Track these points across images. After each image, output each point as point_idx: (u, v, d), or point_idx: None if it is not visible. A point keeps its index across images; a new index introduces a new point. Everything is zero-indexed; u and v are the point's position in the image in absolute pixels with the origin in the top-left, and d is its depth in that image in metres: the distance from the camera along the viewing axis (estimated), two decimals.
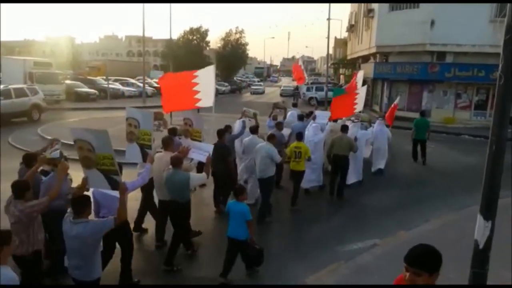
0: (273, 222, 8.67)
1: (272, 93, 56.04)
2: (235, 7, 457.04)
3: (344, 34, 51.66)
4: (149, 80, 42.52)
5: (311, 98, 36.88)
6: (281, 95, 48.83)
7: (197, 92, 9.03)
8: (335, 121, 12.38)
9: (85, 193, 4.92)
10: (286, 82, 77.06)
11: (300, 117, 12.45)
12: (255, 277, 6.34)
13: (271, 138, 8.76)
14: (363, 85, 15.65)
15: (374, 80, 29.90)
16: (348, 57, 43.95)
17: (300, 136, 9.53)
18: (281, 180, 10.86)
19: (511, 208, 8.72)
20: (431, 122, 21.90)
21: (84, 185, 4.97)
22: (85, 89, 32.31)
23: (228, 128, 9.77)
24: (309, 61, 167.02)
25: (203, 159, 6.93)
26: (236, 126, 10.95)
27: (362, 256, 7.04)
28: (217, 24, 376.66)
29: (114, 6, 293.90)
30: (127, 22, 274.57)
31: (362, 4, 33.00)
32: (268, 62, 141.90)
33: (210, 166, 6.85)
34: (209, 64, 47.02)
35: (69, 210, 4.43)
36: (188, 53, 41.80)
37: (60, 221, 4.41)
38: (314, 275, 6.35)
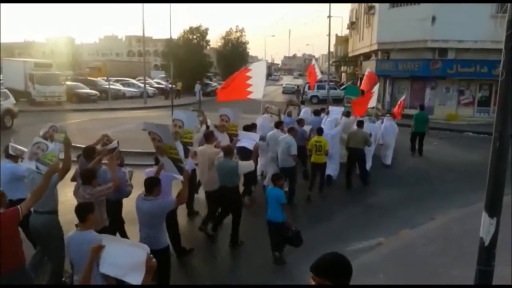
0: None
1: (274, 91, 55.96)
2: (235, 6, 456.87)
3: (345, 32, 51.62)
4: (149, 81, 42.53)
5: (313, 96, 36.71)
6: (283, 92, 50.87)
7: (250, 85, 10.23)
8: (347, 116, 12.71)
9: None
10: (288, 81, 79.15)
11: (317, 113, 13.19)
12: (279, 262, 6.77)
13: (291, 131, 9.52)
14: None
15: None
16: (350, 55, 43.89)
17: (320, 131, 10.24)
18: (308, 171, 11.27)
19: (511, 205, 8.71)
20: (434, 119, 22.43)
21: (161, 169, 5.87)
22: (86, 90, 32.31)
23: (254, 125, 10.31)
24: (310, 59, 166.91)
25: (251, 147, 8.03)
26: (260, 122, 11.33)
27: (366, 255, 7.01)
28: (217, 23, 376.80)
29: (114, 7, 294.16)
30: (127, 22, 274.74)
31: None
32: (269, 60, 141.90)
33: (256, 154, 7.89)
34: (209, 63, 47.22)
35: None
36: (188, 52, 41.69)
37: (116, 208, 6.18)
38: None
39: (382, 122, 13.92)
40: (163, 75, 50.34)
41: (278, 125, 10.40)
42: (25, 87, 27.74)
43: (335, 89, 35.71)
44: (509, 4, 3.90)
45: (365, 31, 32.42)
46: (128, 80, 40.54)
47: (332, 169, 11.09)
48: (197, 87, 31.59)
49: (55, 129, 7.39)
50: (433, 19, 23.87)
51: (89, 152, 6.42)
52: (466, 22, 22.34)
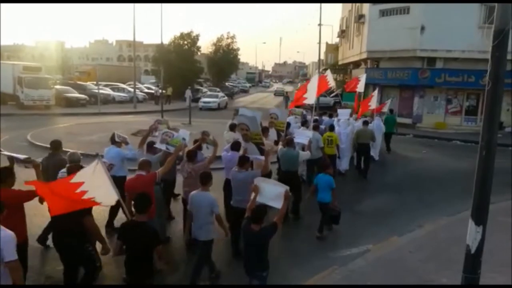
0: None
1: (264, 98, 56.17)
2: (226, 12, 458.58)
3: (336, 40, 51.95)
4: (139, 86, 42.28)
5: None
6: (274, 94, 62.56)
7: (305, 91, 12.59)
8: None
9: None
10: (279, 86, 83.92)
11: (330, 115, 15.98)
12: (323, 240, 8.07)
13: (316, 128, 11.57)
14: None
15: (365, 85, 30.00)
16: (340, 63, 44.16)
17: (332, 127, 12.12)
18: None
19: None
20: (422, 128, 23.84)
21: (246, 152, 7.74)
22: (75, 94, 32.03)
23: (266, 129, 10.79)
24: (300, 66, 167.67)
25: (306, 142, 9.83)
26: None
27: (354, 262, 7.01)
28: (208, 29, 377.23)
29: (104, 11, 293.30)
30: (117, 27, 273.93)
31: (353, 10, 33.23)
32: (260, 67, 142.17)
33: (310, 147, 9.72)
34: (200, 69, 47.19)
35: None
36: (179, 58, 41.63)
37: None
38: (306, 281, 6.31)
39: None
40: (154, 80, 50.18)
41: (304, 124, 12.55)
42: (13, 90, 27.47)
43: (325, 96, 35.88)
44: (495, 15, 3.98)
45: (355, 39, 32.70)
46: (118, 85, 40.26)
47: (343, 164, 13.01)
48: (187, 92, 31.54)
49: (159, 121, 9.24)
50: (422, 28, 24.18)
51: (191, 153, 7.61)
52: (454, 32, 22.68)
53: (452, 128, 24.94)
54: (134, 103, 33.15)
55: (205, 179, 5.98)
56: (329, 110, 19.93)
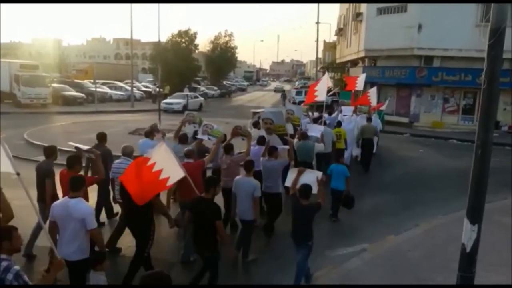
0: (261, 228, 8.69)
1: (262, 96, 56.14)
2: (224, 11, 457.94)
3: (333, 38, 51.97)
4: (137, 84, 42.19)
5: (300, 102, 36.80)
6: (274, 91, 65.34)
7: (316, 90, 13.57)
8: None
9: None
10: (277, 84, 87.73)
11: (329, 113, 16.12)
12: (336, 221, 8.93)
13: (339, 125, 13.05)
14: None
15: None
16: (337, 61, 44.16)
17: (339, 123, 13.18)
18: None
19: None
20: (419, 127, 24.48)
21: (269, 143, 8.48)
22: (72, 92, 31.93)
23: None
24: (298, 65, 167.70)
25: (319, 135, 10.80)
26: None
27: (351, 261, 7.02)
28: (206, 28, 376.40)
29: (102, 9, 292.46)
30: (115, 25, 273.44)
31: (351, 8, 33.24)
32: (258, 65, 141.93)
33: (323, 140, 10.65)
34: (197, 67, 47.11)
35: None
36: (176, 56, 41.52)
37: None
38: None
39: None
40: (151, 79, 50.10)
41: (316, 120, 13.68)
42: (10, 88, 27.37)
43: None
44: (491, 14, 3.98)
45: (353, 37, 32.71)
46: (115, 83, 40.18)
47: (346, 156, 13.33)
48: (185, 91, 31.54)
49: (191, 115, 9.82)
50: (420, 27, 24.19)
51: (228, 147, 8.10)
52: (451, 30, 22.70)
53: (449, 127, 24.97)
54: (132, 101, 33.07)
55: (249, 167, 6.89)
56: (327, 108, 20.04)
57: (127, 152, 7.31)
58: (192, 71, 44.78)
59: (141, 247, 5.85)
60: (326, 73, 16.79)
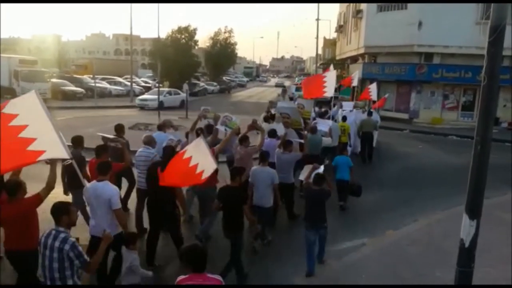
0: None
1: (261, 92, 56.08)
2: (224, 7, 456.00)
3: (333, 34, 51.87)
4: (136, 79, 42.11)
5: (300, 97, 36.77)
6: (275, 85, 68.52)
7: (325, 86, 13.39)
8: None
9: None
10: (278, 79, 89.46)
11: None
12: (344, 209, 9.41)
13: (344, 119, 13.73)
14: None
15: (363, 80, 30.08)
16: (337, 58, 44.11)
17: (344, 118, 13.78)
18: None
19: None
20: (419, 123, 24.53)
21: (286, 136, 9.04)
22: (72, 87, 31.90)
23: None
24: (298, 61, 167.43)
25: (327, 129, 11.58)
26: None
27: (350, 256, 7.07)
28: (206, 24, 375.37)
29: (101, 4, 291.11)
30: (114, 20, 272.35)
31: (351, 4, 33.17)
32: (258, 62, 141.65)
33: (331, 134, 11.60)
34: (197, 63, 46.98)
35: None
36: (176, 52, 41.36)
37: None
38: (302, 275, 6.35)
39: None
40: (150, 74, 49.94)
41: (323, 115, 14.26)
42: (9, 83, 27.31)
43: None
44: (491, 11, 4.00)
45: (353, 34, 32.66)
46: (114, 79, 40.10)
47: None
48: (185, 86, 31.48)
49: (207, 110, 10.00)
50: (420, 24, 24.17)
51: (243, 138, 8.45)
52: (451, 27, 22.68)
53: (448, 124, 24.98)
54: (131, 97, 32.99)
55: (264, 157, 7.45)
56: (327, 104, 20.16)
57: (148, 141, 7.75)
58: (191, 67, 44.63)
59: (172, 230, 6.58)
60: (333, 69, 16.78)
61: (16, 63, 27.96)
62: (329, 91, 13.49)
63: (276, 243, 7.62)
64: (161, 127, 9.68)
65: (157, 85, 30.78)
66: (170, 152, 6.57)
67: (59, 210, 4.10)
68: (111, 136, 7.43)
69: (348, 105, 16.68)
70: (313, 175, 6.67)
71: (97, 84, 32.08)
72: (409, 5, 24.86)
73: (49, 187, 4.82)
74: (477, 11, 23.08)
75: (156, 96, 26.72)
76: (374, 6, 27.00)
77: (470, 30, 22.61)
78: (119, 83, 39.31)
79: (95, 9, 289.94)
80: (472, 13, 23.12)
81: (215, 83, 50.77)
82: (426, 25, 23.99)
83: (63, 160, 5.36)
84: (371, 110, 15.87)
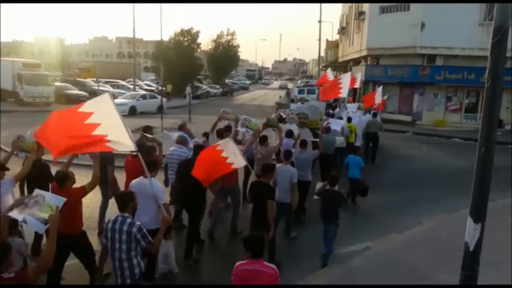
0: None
1: (264, 95, 56.07)
2: (226, 9, 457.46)
3: (336, 37, 51.86)
4: (139, 82, 42.18)
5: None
6: (279, 87, 68.98)
7: (341, 88, 14.67)
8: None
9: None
10: (281, 82, 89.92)
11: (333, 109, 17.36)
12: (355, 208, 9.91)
13: (349, 120, 13.84)
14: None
15: (365, 82, 30.02)
16: (340, 60, 44.05)
17: (350, 119, 13.98)
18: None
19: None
20: (422, 125, 24.34)
21: (300, 136, 9.69)
22: (75, 91, 31.95)
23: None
24: (300, 63, 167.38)
25: (339, 128, 12.13)
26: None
27: (353, 259, 7.02)
28: (208, 26, 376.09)
29: (104, 8, 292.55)
30: (117, 24, 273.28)
31: (353, 6, 33.13)
32: (260, 64, 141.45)
33: (343, 133, 12.14)
34: (200, 66, 47.04)
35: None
36: (179, 54, 41.49)
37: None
38: (305, 278, 6.32)
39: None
40: (153, 77, 50.03)
41: (331, 115, 14.49)
42: (13, 87, 27.41)
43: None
44: (495, 12, 3.97)
45: (355, 36, 32.61)
46: (117, 82, 40.16)
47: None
48: (188, 89, 31.54)
49: (227, 112, 10.22)
50: (423, 25, 24.12)
51: (262, 138, 9.10)
52: (454, 29, 22.62)
53: (451, 126, 24.89)
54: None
55: (287, 156, 7.84)
56: (329, 106, 20.21)
57: (180, 141, 8.37)
58: (194, 69, 44.74)
59: (194, 221, 6.96)
60: (331, 72, 17.48)
61: (20, 66, 28.05)
62: (344, 92, 14.68)
63: (279, 245, 7.58)
64: (181, 127, 9.96)
65: (160, 88, 30.83)
66: (200, 150, 6.90)
67: (127, 197, 4.76)
68: (150, 136, 7.90)
69: (352, 107, 17.09)
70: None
71: (100, 88, 32.08)
72: (412, 6, 24.81)
73: (93, 182, 5.45)
74: (480, 12, 23.03)
75: (126, 101, 25.91)
76: (376, 8, 26.95)
77: (473, 31, 22.57)
78: (122, 87, 39.35)
79: (98, 12, 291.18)
80: (475, 14, 23.06)
81: (217, 86, 50.77)
82: (428, 27, 23.94)
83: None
84: (376, 112, 16.20)
